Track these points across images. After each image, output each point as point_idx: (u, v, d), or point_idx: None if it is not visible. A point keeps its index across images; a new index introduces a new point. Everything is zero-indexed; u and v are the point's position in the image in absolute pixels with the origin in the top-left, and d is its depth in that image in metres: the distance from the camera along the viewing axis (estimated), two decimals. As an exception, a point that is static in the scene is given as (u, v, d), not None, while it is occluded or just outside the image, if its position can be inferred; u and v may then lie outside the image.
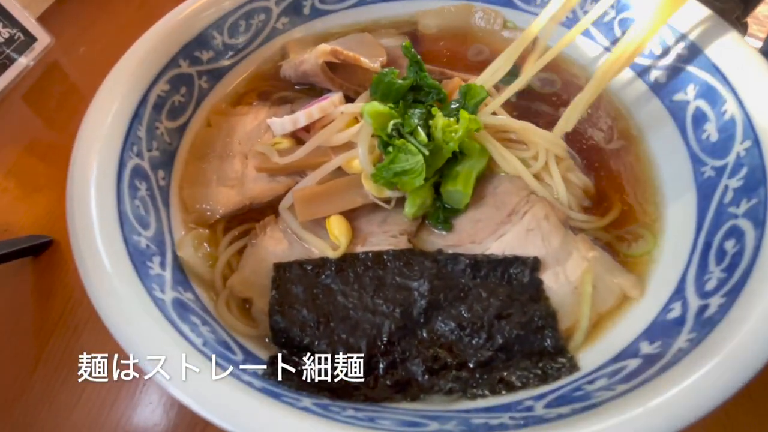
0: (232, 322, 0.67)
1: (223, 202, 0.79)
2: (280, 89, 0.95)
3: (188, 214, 0.77)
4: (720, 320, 0.53)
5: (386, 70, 0.76)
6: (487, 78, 0.83)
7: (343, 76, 0.88)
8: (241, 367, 0.56)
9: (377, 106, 0.72)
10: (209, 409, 0.47)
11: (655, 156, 0.83)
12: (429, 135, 0.73)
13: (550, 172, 0.78)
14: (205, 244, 0.74)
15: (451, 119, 0.72)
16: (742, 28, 1.82)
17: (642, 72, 0.88)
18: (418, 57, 0.78)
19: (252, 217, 0.79)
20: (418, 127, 0.72)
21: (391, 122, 0.72)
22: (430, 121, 0.74)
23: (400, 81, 0.76)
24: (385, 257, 0.70)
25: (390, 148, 0.72)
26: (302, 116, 0.79)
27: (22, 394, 0.77)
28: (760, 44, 1.57)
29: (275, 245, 0.74)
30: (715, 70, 0.75)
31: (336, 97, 0.80)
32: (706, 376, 0.47)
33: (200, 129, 0.87)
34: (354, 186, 0.74)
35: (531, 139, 0.79)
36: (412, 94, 0.78)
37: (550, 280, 0.70)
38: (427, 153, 0.70)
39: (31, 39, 1.18)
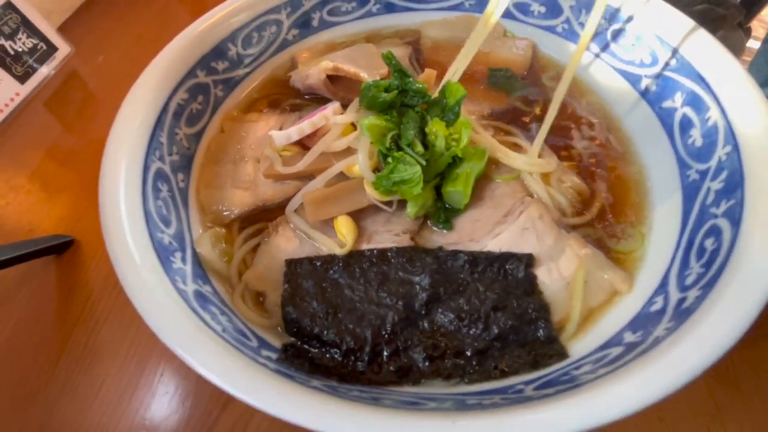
0: (247, 313, 0.70)
1: (237, 203, 0.82)
2: (290, 97, 0.99)
3: (205, 215, 0.81)
4: (695, 310, 0.57)
5: (371, 81, 0.79)
6: (451, 75, 0.89)
7: (346, 87, 0.93)
8: (259, 352, 0.61)
9: (374, 119, 0.75)
10: (233, 385, 0.51)
11: (645, 160, 0.87)
12: (424, 141, 0.76)
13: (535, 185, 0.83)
14: (221, 241, 0.78)
15: (447, 126, 0.75)
16: (745, 33, 1.85)
17: (634, 81, 0.92)
18: (401, 65, 0.81)
19: (265, 216, 0.83)
20: (416, 139, 0.74)
21: (389, 135, 0.75)
22: (426, 128, 0.76)
23: (383, 94, 0.77)
24: (388, 254, 0.74)
25: (389, 159, 0.74)
26: (294, 132, 0.82)
27: (47, 385, 0.80)
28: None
29: (286, 243, 0.78)
30: (701, 80, 0.79)
31: (330, 109, 0.83)
32: (675, 359, 0.51)
33: (215, 135, 0.91)
34: (359, 188, 0.78)
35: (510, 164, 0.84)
36: (399, 98, 0.80)
37: (543, 275, 0.73)
38: (424, 163, 0.73)
39: (52, 49, 1.22)
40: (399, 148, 0.75)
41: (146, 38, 1.37)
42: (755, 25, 1.84)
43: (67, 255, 0.94)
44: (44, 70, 1.22)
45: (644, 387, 0.50)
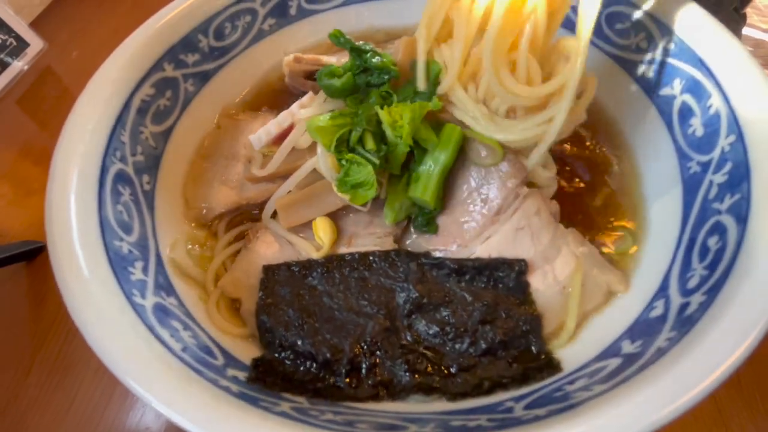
0: (220, 322, 0.67)
1: (222, 201, 0.80)
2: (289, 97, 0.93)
3: (189, 210, 0.79)
4: (699, 319, 0.52)
5: (323, 68, 0.73)
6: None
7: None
8: (223, 372, 0.57)
9: (318, 120, 0.69)
10: (182, 415, 0.47)
11: (641, 152, 0.83)
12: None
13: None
14: (198, 245, 0.75)
15: (403, 104, 0.68)
16: (741, 19, 1.80)
17: (629, 67, 0.87)
18: (352, 42, 0.74)
19: (250, 217, 0.81)
20: (367, 134, 0.68)
21: (336, 135, 0.68)
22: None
23: (335, 80, 0.71)
24: (370, 258, 0.70)
25: (343, 162, 0.69)
26: (263, 133, 0.79)
27: (16, 398, 0.77)
28: (760, 35, 1.56)
29: (266, 248, 0.75)
30: (701, 65, 0.74)
31: (295, 105, 0.80)
32: (680, 378, 0.47)
33: (211, 130, 0.89)
34: (330, 190, 0.73)
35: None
36: (363, 78, 0.73)
37: (537, 281, 0.69)
38: (377, 161, 0.67)
39: (23, 44, 1.17)
40: (350, 149, 0.70)
41: (123, 32, 1.30)
42: (750, 12, 1.80)
43: (38, 261, 0.92)
44: (16, 66, 1.17)
45: (645, 412, 0.45)
